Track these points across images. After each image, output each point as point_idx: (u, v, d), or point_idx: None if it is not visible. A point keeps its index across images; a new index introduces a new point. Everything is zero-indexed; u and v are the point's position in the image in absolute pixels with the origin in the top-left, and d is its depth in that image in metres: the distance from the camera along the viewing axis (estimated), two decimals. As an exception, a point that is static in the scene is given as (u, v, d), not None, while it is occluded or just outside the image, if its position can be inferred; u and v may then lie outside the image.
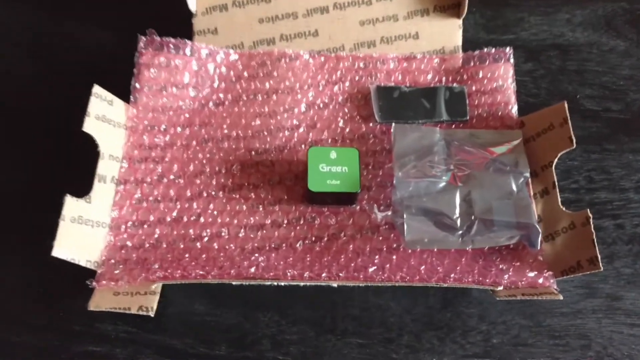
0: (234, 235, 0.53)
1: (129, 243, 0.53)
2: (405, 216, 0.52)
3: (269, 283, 0.50)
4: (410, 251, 0.53)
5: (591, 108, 0.62)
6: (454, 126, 0.58)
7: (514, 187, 0.55)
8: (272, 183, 0.55)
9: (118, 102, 0.55)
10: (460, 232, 0.53)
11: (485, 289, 0.51)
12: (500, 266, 0.52)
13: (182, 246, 0.53)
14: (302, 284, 0.50)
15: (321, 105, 0.58)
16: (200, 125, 0.57)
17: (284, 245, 0.53)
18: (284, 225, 0.53)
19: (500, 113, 0.58)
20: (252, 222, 0.53)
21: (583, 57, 0.65)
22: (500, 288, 0.50)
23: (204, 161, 0.55)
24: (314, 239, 0.53)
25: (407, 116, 0.58)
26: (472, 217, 0.52)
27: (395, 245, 0.53)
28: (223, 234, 0.54)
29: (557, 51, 0.64)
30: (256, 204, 0.54)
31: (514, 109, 0.58)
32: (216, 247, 0.53)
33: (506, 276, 0.51)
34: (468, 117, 0.58)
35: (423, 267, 0.51)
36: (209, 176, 0.55)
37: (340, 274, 0.50)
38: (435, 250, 0.53)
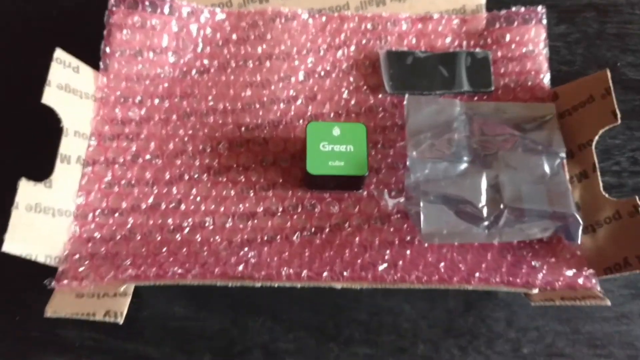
0: (219, 225, 0.46)
1: (97, 234, 0.46)
2: (421, 204, 0.45)
3: (259, 285, 0.41)
4: (427, 245, 0.45)
5: (634, 78, 0.55)
6: (476, 98, 0.51)
7: (548, 170, 0.47)
8: (265, 164, 0.48)
9: (85, 70, 0.48)
10: (487, 222, 0.45)
11: (517, 292, 0.42)
12: (533, 263, 0.44)
13: (159, 238, 0.46)
14: (299, 285, 0.42)
15: (322, 74, 0.51)
16: (181, 96, 0.50)
17: (278, 237, 0.46)
18: (279, 213, 0.47)
19: (530, 83, 0.51)
20: (242, 210, 0.47)
21: (624, 18, 0.57)
22: (536, 291, 0.42)
23: (186, 138, 0.49)
24: (313, 230, 0.46)
25: (422, 86, 0.51)
26: (501, 206, 0.44)
27: (409, 238, 0.46)
28: (207, 224, 0.47)
29: (595, 12, 0.57)
30: (246, 189, 0.47)
31: (546, 79, 0.52)
32: (199, 239, 0.46)
33: (540, 275, 0.43)
34: (493, 88, 0.51)
35: (442, 264, 0.44)
36: (191, 156, 0.48)
37: (345, 273, 0.42)
38: (456, 244, 0.46)
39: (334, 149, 0.45)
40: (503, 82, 0.52)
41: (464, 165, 0.48)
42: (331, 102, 0.50)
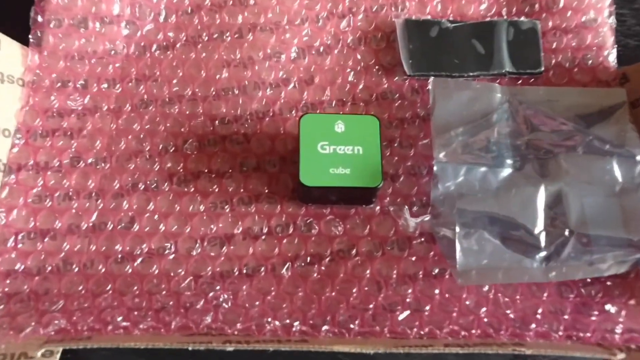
0: (184, 253, 0.37)
1: (19, 266, 0.36)
2: (457, 229, 0.34)
3: (231, 349, 0.30)
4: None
5: None
6: (520, 82, 0.43)
7: (620, 178, 0.37)
8: (246, 169, 0.40)
9: (10, 45, 0.39)
10: (544, 253, 0.35)
11: (591, 357, 0.31)
12: (606, 307, 0.33)
13: (102, 271, 0.36)
14: (288, 348, 0.31)
15: (321, 50, 0.43)
16: (137, 80, 0.42)
17: (262, 269, 0.37)
18: (263, 237, 0.38)
19: (591, 62, 0.43)
20: (214, 232, 0.38)
21: None
22: (621, 357, 0.31)
23: (142, 135, 0.40)
24: (309, 259, 0.37)
25: (452, 66, 0.43)
26: (566, 232, 0.34)
27: (437, 271, 0.36)
28: (167, 251, 0.37)
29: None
30: (220, 203, 0.39)
31: (612, 56, 0.43)
32: (156, 272, 0.36)
33: (619, 326, 0.32)
34: (542, 68, 0.43)
35: (484, 309, 0.33)
36: (148, 158, 0.40)
37: (352, 325, 0.31)
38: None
39: (337, 151, 0.36)
40: (555, 61, 0.43)
41: (507, 172, 0.38)
42: (333, 87, 0.42)
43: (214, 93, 0.41)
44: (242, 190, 0.39)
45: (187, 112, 0.41)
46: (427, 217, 0.37)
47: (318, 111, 0.41)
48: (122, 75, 0.41)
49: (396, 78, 0.42)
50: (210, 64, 0.42)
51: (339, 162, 0.36)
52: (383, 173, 0.36)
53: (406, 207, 0.37)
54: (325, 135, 0.36)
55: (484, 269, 0.34)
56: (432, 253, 0.37)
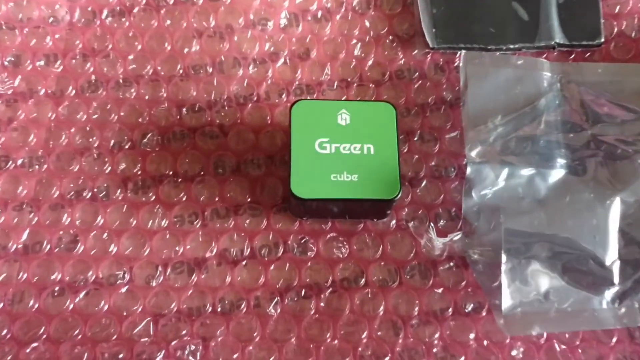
0: (141, 283, 0.31)
1: None
2: (503, 257, 0.27)
3: None
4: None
5: None
6: (573, 56, 0.37)
7: None
8: (222, 172, 0.34)
9: None
10: (617, 289, 0.28)
11: None
12: None
13: (34, 308, 0.30)
14: None
15: (319, 16, 0.37)
16: (84, 55, 0.36)
17: (242, 305, 0.30)
18: (244, 262, 0.31)
19: None
20: (180, 256, 0.32)
21: None
22: None
23: (89, 127, 0.34)
24: (304, 292, 0.31)
25: (487, 37, 0.37)
26: None
27: (472, 307, 0.30)
28: (119, 280, 0.30)
29: None
30: (189, 217, 0.32)
31: None
32: (104, 309, 0.30)
33: None
34: (603, 39, 0.37)
35: None
36: (97, 158, 0.34)
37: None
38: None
39: (341, 151, 0.29)
40: (618, 30, 0.38)
41: (561, 174, 0.31)
42: (334, 63, 0.37)
43: (181, 72, 0.35)
44: (217, 199, 0.32)
45: (147, 98, 0.35)
46: (457, 235, 0.30)
47: (315, 96, 0.35)
48: (64, 50, 0.36)
49: (415, 52, 0.37)
50: (177, 35, 0.36)
51: (343, 166, 0.29)
52: (401, 178, 0.28)
53: (431, 224, 0.30)
54: (324, 129, 0.30)
55: (537, 313, 0.27)
56: (464, 282, 0.30)
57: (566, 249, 0.28)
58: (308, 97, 0.34)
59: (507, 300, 0.27)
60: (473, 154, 0.32)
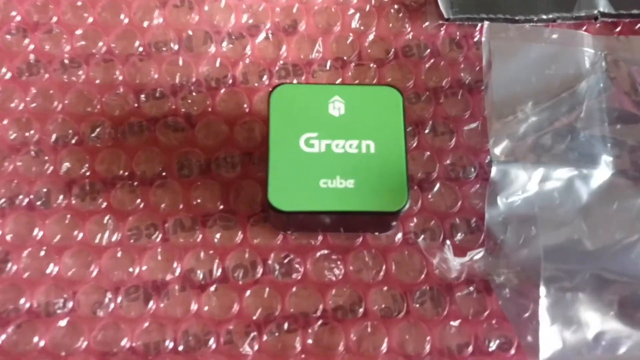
0: (87, 314, 0.26)
1: None
2: (541, 289, 0.23)
3: None
4: None
5: None
6: (619, 29, 0.32)
7: None
8: (188, 173, 0.29)
9: None
10: None
11: None
12: None
13: None
14: None
15: None
16: (21, 30, 0.32)
17: (211, 341, 0.25)
18: (213, 286, 0.27)
19: None
20: (134, 278, 0.27)
21: None
22: None
23: (26, 118, 0.30)
24: (287, 325, 0.26)
25: (514, 5, 0.33)
26: None
27: (496, 344, 0.25)
28: (59, 310, 0.26)
29: None
30: (146, 229, 0.28)
31: None
32: (40, 345, 0.25)
33: None
34: None
35: None
36: (35, 156, 0.29)
37: None
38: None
39: (333, 149, 0.25)
40: None
41: (607, 176, 0.27)
42: (327, 38, 0.32)
43: (139, 49, 0.31)
44: (181, 207, 0.27)
45: (98, 81, 0.30)
46: (478, 253, 0.26)
47: (304, 78, 0.30)
48: (-3, 22, 0.30)
49: (426, 24, 0.32)
50: (135, 4, 0.31)
51: (335, 169, 0.24)
52: (409, 182, 0.23)
53: (448, 242, 0.25)
54: (312, 122, 0.24)
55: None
56: (487, 312, 0.25)
57: (618, 275, 0.23)
58: (295, 80, 0.28)
59: (545, 344, 0.21)
60: (498, 150, 0.27)
